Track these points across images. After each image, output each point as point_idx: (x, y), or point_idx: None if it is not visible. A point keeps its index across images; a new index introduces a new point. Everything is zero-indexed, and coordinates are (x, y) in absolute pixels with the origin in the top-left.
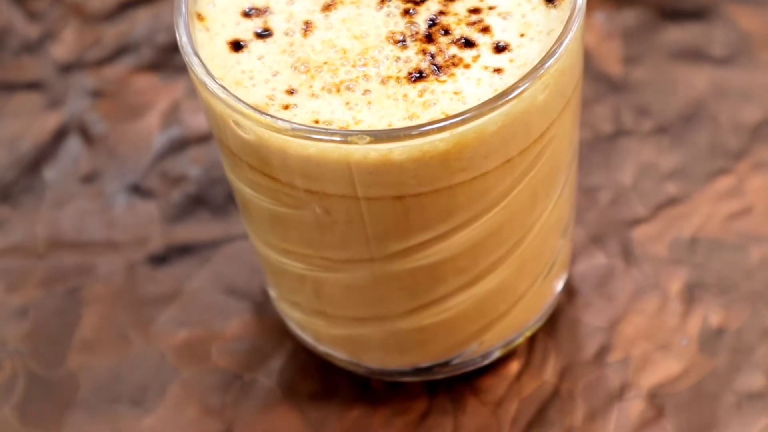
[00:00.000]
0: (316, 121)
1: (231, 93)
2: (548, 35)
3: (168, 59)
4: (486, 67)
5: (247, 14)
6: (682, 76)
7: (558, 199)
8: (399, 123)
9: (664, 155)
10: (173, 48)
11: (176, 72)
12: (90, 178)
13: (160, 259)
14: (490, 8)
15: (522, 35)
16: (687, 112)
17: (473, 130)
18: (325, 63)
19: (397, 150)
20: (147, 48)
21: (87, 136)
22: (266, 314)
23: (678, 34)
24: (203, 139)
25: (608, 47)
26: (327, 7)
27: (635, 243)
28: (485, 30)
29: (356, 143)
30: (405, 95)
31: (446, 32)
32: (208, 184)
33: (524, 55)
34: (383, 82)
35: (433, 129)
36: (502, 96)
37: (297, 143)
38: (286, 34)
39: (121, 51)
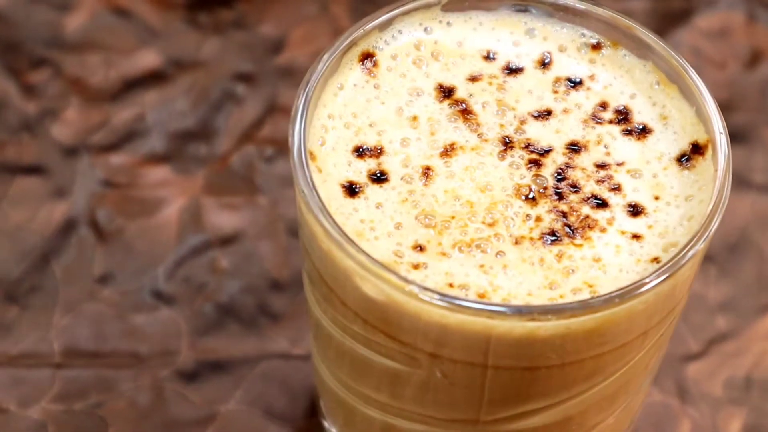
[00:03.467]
0: (451, 285)
1: (364, 251)
2: (686, 201)
3: (180, 149)
4: (623, 232)
5: (359, 154)
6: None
7: (659, 353)
8: (539, 291)
9: (712, 286)
10: (185, 137)
11: (191, 163)
12: (105, 280)
13: (190, 376)
14: (618, 164)
15: (657, 198)
16: (731, 240)
17: (624, 309)
18: (453, 218)
19: (544, 326)
20: (158, 135)
21: (98, 230)
22: None
23: None
24: (226, 242)
25: None
26: (446, 153)
27: (690, 380)
28: (616, 189)
29: (503, 319)
30: (542, 260)
31: (575, 188)
32: (236, 293)
33: (663, 222)
34: (517, 242)
35: (585, 309)
36: (658, 275)
37: (437, 312)
38: (404, 179)
39: (129, 136)
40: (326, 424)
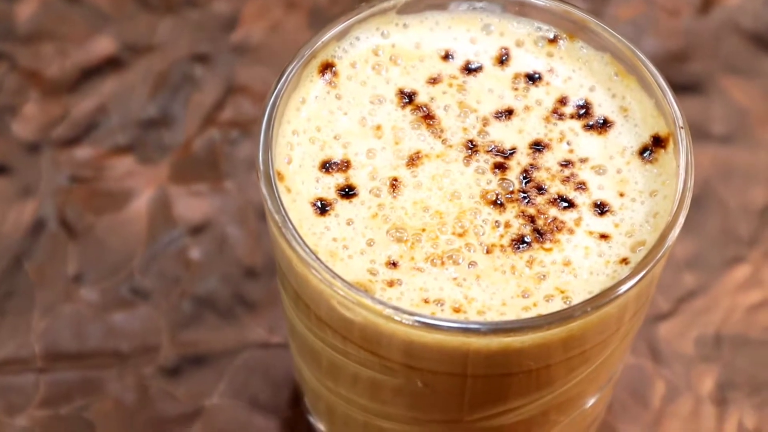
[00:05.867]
0: (426, 301)
1: (339, 276)
2: (651, 197)
3: (143, 138)
4: (591, 233)
5: (326, 169)
6: None
7: (634, 332)
8: (512, 301)
9: (678, 243)
10: (147, 124)
11: (155, 152)
12: (80, 279)
13: (173, 371)
14: (582, 161)
15: (621, 194)
16: (694, 194)
17: (599, 315)
18: (423, 230)
19: (520, 339)
20: (119, 125)
21: (69, 228)
22: (297, 430)
23: None
24: (197, 231)
25: None
26: (412, 162)
27: (661, 341)
28: (581, 187)
29: (479, 337)
30: (513, 267)
31: (541, 190)
32: (211, 283)
33: (629, 220)
34: (488, 251)
35: (559, 321)
36: (628, 279)
37: (414, 332)
38: (373, 192)
39: (90, 128)
40: (312, 419)
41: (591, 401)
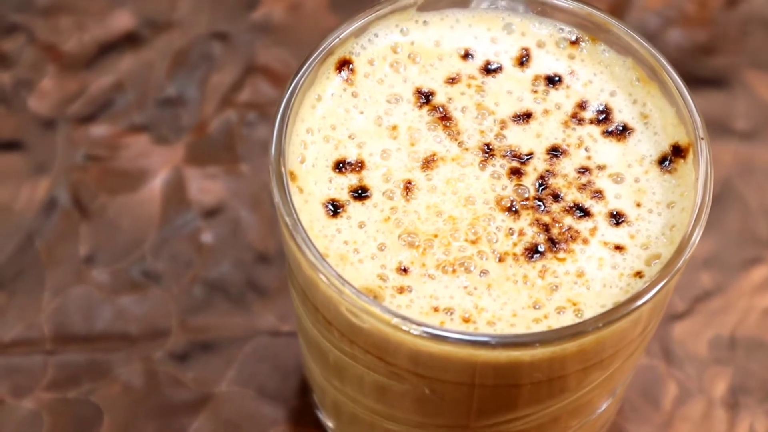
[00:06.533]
0: (436, 309)
1: (349, 283)
2: (668, 208)
3: (159, 118)
4: (605, 243)
5: (340, 169)
6: None
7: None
8: (523, 312)
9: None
10: (163, 103)
11: (171, 132)
12: (92, 260)
13: (182, 357)
14: (600, 168)
15: (638, 204)
16: (714, 191)
17: (611, 329)
18: (435, 236)
19: (529, 352)
20: (136, 104)
21: (82, 208)
22: (304, 421)
23: (699, 104)
24: (210, 214)
25: None
26: (427, 164)
27: (675, 341)
28: (598, 195)
29: (487, 350)
30: (525, 277)
31: (557, 197)
32: (223, 268)
33: (645, 231)
34: (500, 260)
35: (570, 337)
36: (642, 295)
37: (421, 342)
38: (386, 195)
39: (107, 105)
40: (320, 415)
41: (603, 406)
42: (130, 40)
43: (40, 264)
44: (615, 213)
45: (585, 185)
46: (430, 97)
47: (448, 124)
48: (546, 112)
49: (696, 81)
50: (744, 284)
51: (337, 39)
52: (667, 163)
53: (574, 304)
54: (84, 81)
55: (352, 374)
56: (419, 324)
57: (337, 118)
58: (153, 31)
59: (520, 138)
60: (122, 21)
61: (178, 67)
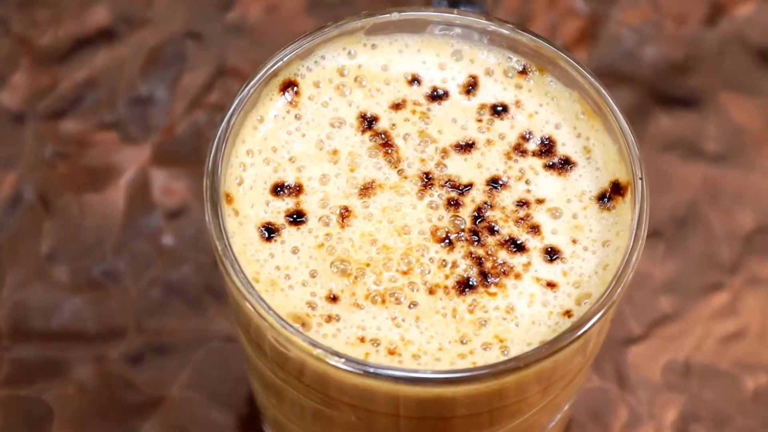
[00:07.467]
0: (362, 340)
1: (274, 311)
2: (603, 246)
3: (129, 116)
4: (538, 279)
5: (277, 193)
6: (675, 173)
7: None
8: (449, 346)
9: (658, 265)
10: (134, 103)
11: (139, 132)
12: (53, 257)
13: (136, 358)
14: (539, 201)
15: (574, 241)
16: (680, 214)
17: (534, 369)
18: (367, 265)
19: (451, 389)
20: (106, 101)
21: (46, 204)
22: (252, 430)
23: (669, 124)
24: (174, 215)
25: None
26: (365, 191)
27: (629, 365)
28: (535, 230)
29: (409, 386)
30: (454, 310)
31: (493, 231)
32: (183, 271)
33: (578, 269)
34: (431, 292)
35: (491, 377)
36: (566, 335)
37: (344, 375)
38: (322, 221)
39: (77, 102)
40: (264, 427)
41: (550, 425)
42: (105, 36)
43: (2, 259)
44: (550, 249)
45: (522, 219)
46: (373, 123)
47: (389, 150)
48: (489, 142)
49: (669, 100)
50: (702, 310)
51: (282, 60)
52: (605, 200)
53: (501, 341)
54: (56, 76)
55: (286, 396)
56: (341, 356)
57: (278, 141)
58: (128, 27)
59: (461, 168)
60: (98, 16)
61: (151, 65)
